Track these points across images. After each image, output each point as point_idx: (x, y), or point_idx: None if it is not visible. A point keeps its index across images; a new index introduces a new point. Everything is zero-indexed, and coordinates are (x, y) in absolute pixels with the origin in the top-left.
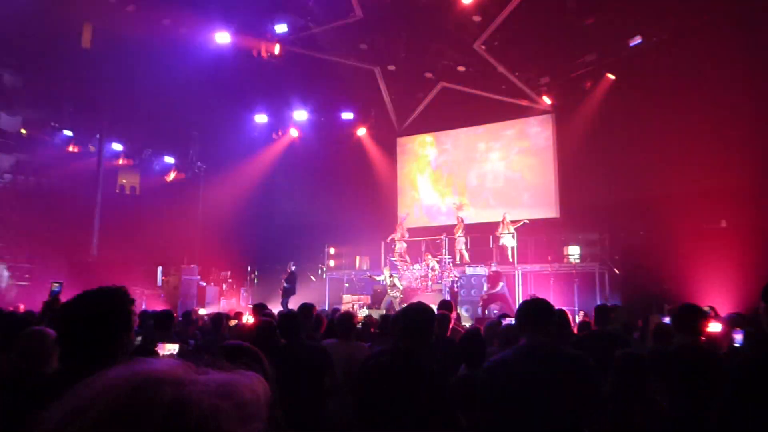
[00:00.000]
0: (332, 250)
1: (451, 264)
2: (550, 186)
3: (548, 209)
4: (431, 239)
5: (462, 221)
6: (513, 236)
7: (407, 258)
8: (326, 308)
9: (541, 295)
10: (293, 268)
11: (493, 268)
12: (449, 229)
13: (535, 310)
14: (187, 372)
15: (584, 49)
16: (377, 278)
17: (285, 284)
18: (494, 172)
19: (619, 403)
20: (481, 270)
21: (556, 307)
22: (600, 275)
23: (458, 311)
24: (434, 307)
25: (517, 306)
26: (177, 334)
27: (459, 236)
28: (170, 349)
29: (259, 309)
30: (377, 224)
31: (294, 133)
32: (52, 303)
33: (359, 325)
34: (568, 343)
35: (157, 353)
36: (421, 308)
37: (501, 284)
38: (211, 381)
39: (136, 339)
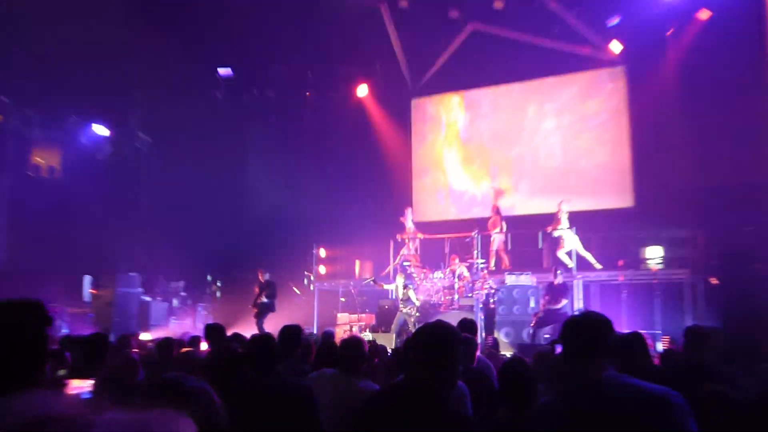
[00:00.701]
0: (323, 253)
1: (485, 270)
2: (622, 165)
3: (619, 196)
4: (459, 237)
5: (500, 213)
6: (572, 232)
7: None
8: (314, 331)
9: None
10: (267, 277)
11: (560, 279)
12: (485, 224)
13: (582, 329)
14: (88, 412)
15: None
16: (386, 286)
17: (263, 299)
18: (547, 145)
19: None
20: (527, 279)
21: (631, 330)
22: (691, 287)
23: (495, 335)
24: None
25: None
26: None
27: (496, 233)
28: (80, 384)
29: (213, 332)
30: (384, 217)
31: (271, 93)
32: None
33: None
34: (645, 376)
35: (64, 387)
36: (442, 328)
37: (565, 301)
38: (115, 422)
39: (58, 372)
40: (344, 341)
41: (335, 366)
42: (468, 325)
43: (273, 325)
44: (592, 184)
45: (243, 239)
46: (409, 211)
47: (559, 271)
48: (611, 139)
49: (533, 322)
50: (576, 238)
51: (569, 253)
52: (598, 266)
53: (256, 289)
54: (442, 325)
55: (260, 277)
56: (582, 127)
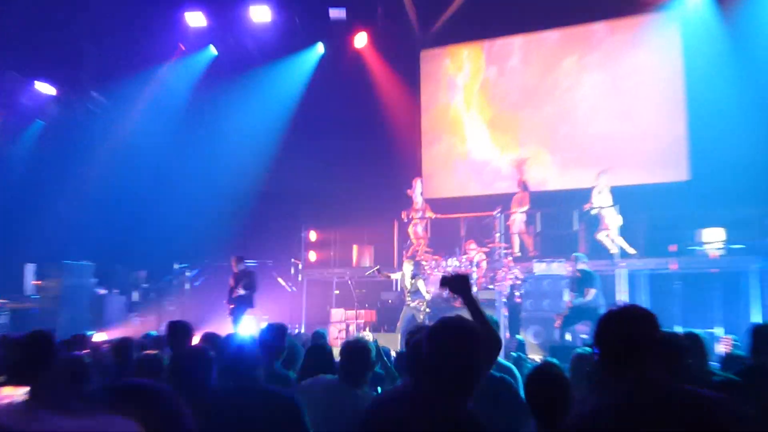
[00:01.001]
0: (313, 236)
1: (510, 257)
2: (677, 131)
3: (672, 168)
4: (477, 217)
5: (528, 189)
6: (616, 210)
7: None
8: (302, 330)
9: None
10: (243, 266)
11: (581, 266)
12: (510, 201)
13: (620, 326)
14: (22, 419)
15: None
16: (393, 276)
17: (241, 291)
18: (587, 106)
19: None
20: (560, 267)
21: (685, 329)
22: (759, 277)
23: (521, 335)
24: None
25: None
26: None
27: (520, 213)
28: (16, 392)
29: (179, 332)
30: (387, 194)
31: (250, 43)
32: None
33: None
34: (702, 384)
35: None
36: (459, 325)
37: (593, 292)
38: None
39: None
40: (346, 346)
41: (327, 371)
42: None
43: (255, 323)
44: (640, 154)
45: (217, 220)
46: (418, 183)
47: (575, 255)
48: (664, 100)
49: (557, 321)
50: (619, 218)
51: (608, 236)
52: (632, 251)
53: (231, 281)
54: (461, 321)
55: (234, 266)
56: (630, 84)
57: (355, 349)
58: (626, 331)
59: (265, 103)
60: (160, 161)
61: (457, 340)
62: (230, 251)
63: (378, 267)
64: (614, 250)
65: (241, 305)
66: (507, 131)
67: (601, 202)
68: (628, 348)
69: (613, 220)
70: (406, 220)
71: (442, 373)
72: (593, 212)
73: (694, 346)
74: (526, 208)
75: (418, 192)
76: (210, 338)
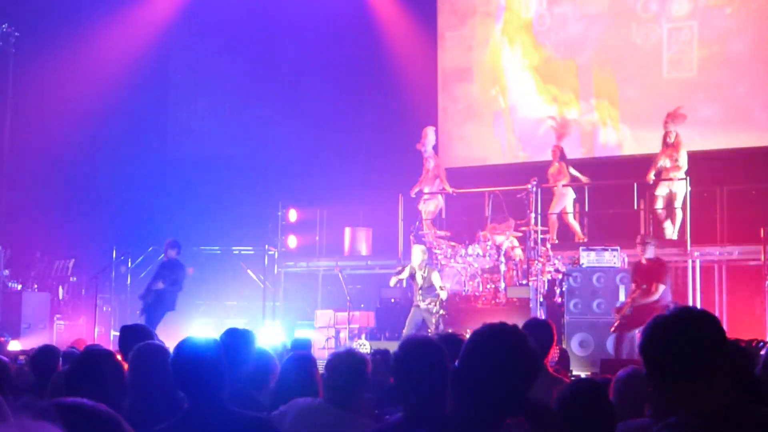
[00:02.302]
0: (293, 216)
1: (549, 246)
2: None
3: (759, 132)
4: (506, 192)
5: (566, 158)
6: (685, 183)
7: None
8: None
9: (742, 312)
10: (175, 253)
11: (650, 253)
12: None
13: (671, 336)
14: None
15: None
16: (400, 276)
17: (160, 285)
18: (670, 46)
19: None
20: (613, 258)
21: None
22: None
23: (564, 344)
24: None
25: None
26: None
27: (561, 188)
28: None
29: (134, 339)
30: (390, 160)
31: None
32: None
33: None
34: None
35: None
36: (494, 333)
37: (662, 288)
38: None
39: None
40: (333, 360)
41: (313, 394)
42: (539, 329)
43: (213, 327)
44: (734, 111)
45: (169, 196)
46: (430, 132)
47: (648, 241)
48: (754, 45)
49: (615, 324)
50: (686, 189)
51: (670, 216)
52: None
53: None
54: (494, 330)
55: (166, 253)
56: (729, 20)
57: (344, 361)
58: (678, 342)
59: (229, 42)
60: (93, 119)
61: (492, 348)
62: (184, 235)
63: (402, 267)
64: (674, 235)
65: (157, 303)
66: (565, 78)
67: (677, 163)
68: (682, 363)
69: (678, 192)
70: (414, 195)
71: (474, 390)
72: (662, 187)
73: None
74: (565, 180)
75: (430, 146)
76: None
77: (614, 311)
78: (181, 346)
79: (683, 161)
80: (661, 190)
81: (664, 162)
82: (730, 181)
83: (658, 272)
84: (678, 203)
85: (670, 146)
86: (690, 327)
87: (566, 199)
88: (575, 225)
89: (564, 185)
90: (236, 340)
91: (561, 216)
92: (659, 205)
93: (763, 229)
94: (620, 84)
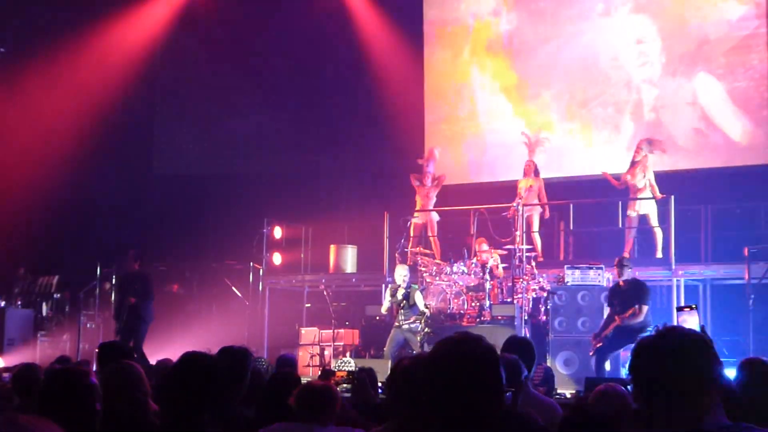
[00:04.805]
0: (278, 233)
1: (534, 262)
2: (762, 96)
3: (749, 148)
4: (492, 209)
5: (539, 174)
6: (654, 201)
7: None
8: (264, 356)
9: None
10: (137, 265)
11: (627, 274)
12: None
13: (658, 357)
14: None
15: None
16: (392, 299)
17: (131, 300)
18: (641, 63)
19: None
20: (599, 276)
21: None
22: None
23: (548, 363)
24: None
25: None
26: None
27: (531, 204)
28: None
29: (114, 357)
30: (375, 179)
31: None
32: None
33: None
34: None
35: None
36: (469, 346)
37: (644, 310)
38: None
39: None
40: (301, 392)
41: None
42: (519, 347)
43: (196, 343)
44: (707, 129)
45: (154, 213)
46: (436, 154)
47: (625, 264)
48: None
49: (594, 346)
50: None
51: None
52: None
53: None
54: (470, 343)
55: (130, 264)
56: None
57: (309, 393)
58: (662, 362)
59: (215, 58)
60: (78, 135)
61: (466, 362)
62: (169, 252)
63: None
64: (659, 253)
65: (136, 320)
66: (532, 97)
67: (641, 189)
68: (670, 383)
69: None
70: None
71: (448, 405)
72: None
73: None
74: (536, 196)
75: (431, 167)
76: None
77: (592, 338)
78: (162, 369)
79: (651, 180)
80: (632, 211)
81: (634, 181)
82: (714, 200)
83: (638, 294)
84: (654, 222)
85: (636, 164)
86: (679, 347)
87: (536, 216)
88: (538, 242)
89: (538, 204)
90: (232, 359)
91: (529, 233)
92: (634, 224)
93: (747, 248)
94: (595, 104)
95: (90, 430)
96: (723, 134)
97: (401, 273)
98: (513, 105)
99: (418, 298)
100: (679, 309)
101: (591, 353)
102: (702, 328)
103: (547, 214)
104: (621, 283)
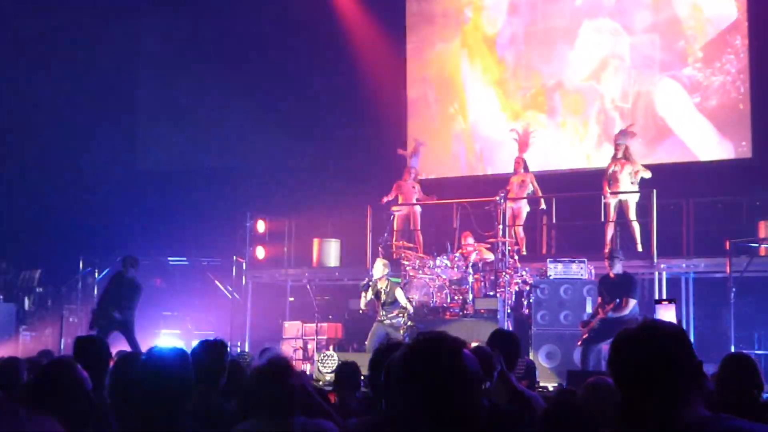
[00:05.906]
0: (261, 226)
1: (516, 256)
2: (736, 94)
3: (730, 141)
4: (475, 203)
5: (528, 169)
6: (635, 195)
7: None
8: (246, 349)
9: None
10: (135, 272)
11: (618, 268)
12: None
13: (637, 349)
14: None
15: None
16: (367, 297)
17: (117, 315)
18: (612, 66)
19: None
20: (581, 269)
21: (738, 349)
22: None
23: (531, 356)
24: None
25: None
26: None
27: (518, 198)
28: None
29: (88, 351)
30: (359, 171)
31: None
32: None
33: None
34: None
35: None
36: (443, 342)
37: (632, 303)
38: None
39: None
40: (257, 371)
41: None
42: (504, 341)
43: (180, 339)
44: (688, 123)
45: (137, 205)
46: (418, 153)
47: (616, 256)
48: (725, 54)
49: (582, 337)
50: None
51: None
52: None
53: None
54: (442, 339)
55: (125, 270)
56: (672, 34)
57: (268, 373)
58: (644, 354)
59: (199, 53)
60: (60, 129)
61: (439, 355)
62: (152, 246)
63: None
64: (639, 247)
65: (127, 325)
66: (525, 91)
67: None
68: (648, 375)
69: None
70: (386, 203)
71: (425, 396)
72: (617, 197)
73: (746, 370)
74: (529, 191)
75: (415, 162)
76: (126, 360)
77: (580, 325)
78: (149, 356)
79: (633, 174)
80: (612, 199)
81: (616, 174)
82: (695, 194)
83: (627, 287)
84: (632, 215)
85: (618, 160)
86: (658, 340)
87: (524, 211)
88: (523, 237)
89: (525, 198)
90: (209, 351)
91: (514, 227)
92: (612, 216)
93: (728, 242)
94: (585, 98)
95: (84, 421)
96: (703, 128)
97: (380, 268)
98: (499, 99)
99: (399, 294)
100: (657, 302)
101: (579, 343)
102: (679, 322)
103: (544, 206)
104: (611, 275)
